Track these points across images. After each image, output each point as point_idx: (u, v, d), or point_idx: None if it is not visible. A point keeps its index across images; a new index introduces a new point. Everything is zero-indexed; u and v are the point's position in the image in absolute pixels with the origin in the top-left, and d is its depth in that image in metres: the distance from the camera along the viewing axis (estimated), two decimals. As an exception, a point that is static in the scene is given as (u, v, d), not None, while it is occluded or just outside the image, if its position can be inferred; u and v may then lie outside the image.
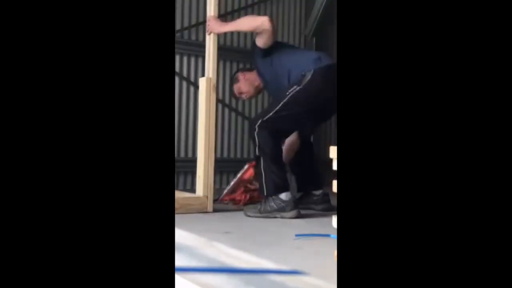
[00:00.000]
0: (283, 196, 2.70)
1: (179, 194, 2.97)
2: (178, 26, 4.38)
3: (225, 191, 3.27)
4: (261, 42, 2.87)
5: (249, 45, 4.38)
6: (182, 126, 4.41)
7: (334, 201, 3.06)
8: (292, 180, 3.23)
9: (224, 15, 4.50)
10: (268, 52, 2.90)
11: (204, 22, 3.39)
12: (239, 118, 4.77)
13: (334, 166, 1.52)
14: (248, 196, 3.16)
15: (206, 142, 2.89)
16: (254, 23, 2.85)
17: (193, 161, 3.26)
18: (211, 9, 2.96)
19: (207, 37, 2.96)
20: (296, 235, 2.11)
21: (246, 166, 3.25)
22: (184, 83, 4.44)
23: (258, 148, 2.76)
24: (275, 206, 2.70)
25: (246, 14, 4.59)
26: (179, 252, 1.01)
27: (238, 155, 4.72)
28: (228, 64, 4.68)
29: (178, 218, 1.84)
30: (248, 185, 3.21)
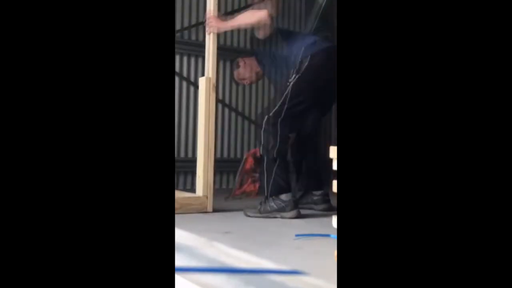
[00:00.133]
0: (283, 196, 2.70)
1: (179, 194, 2.97)
2: (178, 26, 4.38)
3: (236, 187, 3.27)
4: (260, 34, 2.90)
5: (249, 45, 4.38)
6: (182, 126, 4.41)
7: (334, 201, 3.06)
8: (293, 179, 3.22)
9: (224, 15, 4.50)
10: (266, 40, 2.92)
11: (204, 22, 3.39)
12: (239, 118, 4.77)
13: (334, 166, 1.52)
14: (257, 185, 3.14)
15: (206, 142, 2.88)
16: (253, 19, 2.87)
17: (193, 161, 3.26)
18: (211, 9, 2.96)
19: (207, 37, 2.96)
20: (296, 235, 2.11)
21: (244, 157, 3.25)
22: (184, 83, 4.44)
23: (262, 147, 2.76)
24: (275, 206, 2.69)
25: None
26: (179, 252, 1.01)
27: (238, 155, 4.71)
28: (228, 64, 4.68)
29: (178, 218, 1.84)
30: (254, 174, 3.19)
